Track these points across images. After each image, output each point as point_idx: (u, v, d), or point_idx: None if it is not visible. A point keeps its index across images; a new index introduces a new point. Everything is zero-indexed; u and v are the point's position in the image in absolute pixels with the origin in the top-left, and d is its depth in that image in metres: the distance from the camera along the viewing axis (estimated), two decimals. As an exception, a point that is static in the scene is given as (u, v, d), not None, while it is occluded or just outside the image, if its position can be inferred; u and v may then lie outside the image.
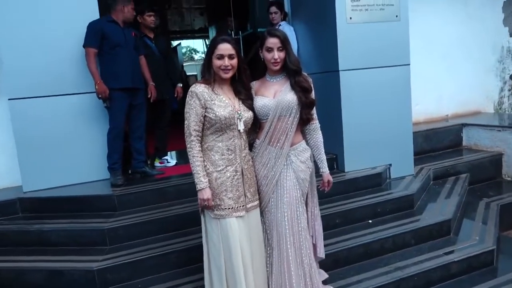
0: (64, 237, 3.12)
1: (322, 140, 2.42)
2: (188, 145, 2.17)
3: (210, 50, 2.21)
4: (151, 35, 4.18)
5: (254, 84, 2.40)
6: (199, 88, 2.16)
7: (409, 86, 4.03)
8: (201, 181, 2.16)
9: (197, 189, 2.18)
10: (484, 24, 5.80)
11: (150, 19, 4.10)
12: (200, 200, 2.19)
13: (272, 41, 2.25)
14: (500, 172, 4.74)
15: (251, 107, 2.29)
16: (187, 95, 2.19)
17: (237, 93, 2.27)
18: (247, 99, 2.28)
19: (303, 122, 2.34)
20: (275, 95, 2.31)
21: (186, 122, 2.17)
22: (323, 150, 2.42)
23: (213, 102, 2.15)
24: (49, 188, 3.65)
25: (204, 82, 2.20)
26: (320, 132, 2.42)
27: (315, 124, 2.40)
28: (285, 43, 2.26)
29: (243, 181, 2.26)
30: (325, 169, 2.44)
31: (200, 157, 2.16)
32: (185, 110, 2.18)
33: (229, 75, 2.19)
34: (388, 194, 3.67)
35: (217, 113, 2.15)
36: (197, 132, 2.16)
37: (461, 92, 5.69)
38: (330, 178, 2.49)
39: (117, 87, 3.55)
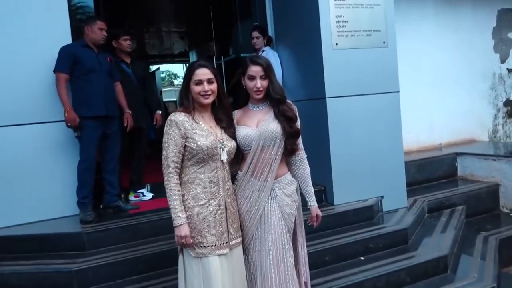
0: (26, 280, 3.01)
1: (309, 171, 2.43)
2: (166, 178, 2.16)
3: (188, 77, 2.25)
4: (128, 60, 4.23)
5: (236, 113, 2.43)
6: (178, 117, 2.18)
7: (399, 113, 4.13)
8: (179, 217, 2.15)
9: (174, 225, 2.16)
10: (475, 50, 6.03)
11: (126, 43, 4.15)
12: (177, 237, 2.16)
13: (255, 69, 2.29)
14: (497, 203, 4.80)
15: (233, 136, 2.31)
16: (166, 124, 2.20)
17: (218, 121, 2.29)
18: (229, 127, 2.31)
19: (288, 152, 2.36)
20: (258, 125, 2.33)
21: (164, 153, 2.17)
22: (311, 182, 2.42)
23: (194, 131, 2.17)
24: (11, 225, 3.57)
25: (183, 110, 2.22)
26: (307, 162, 2.43)
27: (301, 154, 2.41)
28: (268, 71, 2.30)
29: (227, 215, 2.26)
30: (313, 202, 2.45)
31: (178, 190, 2.16)
32: (163, 140, 2.18)
33: (209, 100, 2.22)
34: (381, 228, 3.68)
35: (199, 143, 2.16)
36: (176, 163, 2.16)
37: (454, 119, 5.84)
38: (319, 212, 2.49)
39: (89, 115, 3.56)
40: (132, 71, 4.22)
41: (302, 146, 2.43)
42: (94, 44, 3.68)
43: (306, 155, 2.44)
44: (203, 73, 2.21)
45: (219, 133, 2.26)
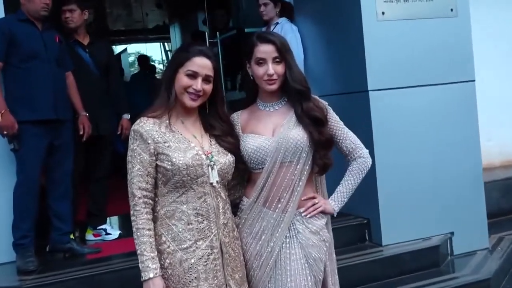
0: None
1: (367, 167, 2.44)
2: (132, 211, 2.18)
3: (177, 62, 2.26)
4: (85, 41, 4.29)
5: (240, 116, 2.43)
6: (145, 126, 2.19)
7: (475, 112, 4.10)
8: (148, 267, 2.13)
9: (142, 279, 2.14)
10: None
11: (63, 16, 4.16)
12: None
13: (264, 49, 2.29)
14: None
15: (233, 148, 2.31)
16: (129, 136, 2.22)
17: (208, 128, 2.31)
18: (224, 135, 2.31)
19: (319, 169, 2.36)
20: (275, 132, 2.33)
21: (128, 177, 2.19)
22: (359, 179, 2.43)
23: (166, 144, 2.18)
24: None
25: (152, 114, 2.23)
26: (368, 159, 2.45)
27: (361, 159, 2.42)
28: (283, 52, 2.30)
29: (223, 262, 2.24)
30: (335, 201, 2.42)
31: (149, 229, 2.17)
32: (127, 159, 2.20)
33: (196, 103, 2.24)
34: (451, 279, 3.67)
35: (174, 160, 2.15)
36: (144, 191, 2.18)
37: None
38: (328, 206, 2.40)
39: (32, 118, 3.58)
40: (90, 56, 4.25)
41: (359, 144, 2.43)
42: (36, 18, 3.70)
43: (370, 160, 2.45)
44: (203, 64, 2.21)
45: (206, 144, 2.26)
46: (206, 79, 2.21)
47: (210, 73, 2.22)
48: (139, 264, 2.14)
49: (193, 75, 2.20)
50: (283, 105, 2.39)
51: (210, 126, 2.31)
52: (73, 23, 4.19)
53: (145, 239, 2.14)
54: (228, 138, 2.32)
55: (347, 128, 2.43)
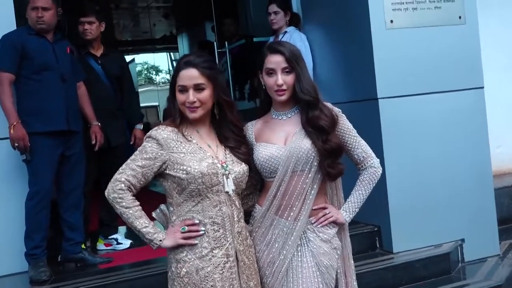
0: None
1: (377, 177, 2.45)
2: (114, 195, 2.18)
3: (172, 80, 2.29)
4: (98, 52, 4.32)
5: (254, 125, 2.44)
6: (163, 133, 2.22)
7: (484, 119, 4.12)
8: (156, 233, 2.19)
9: (155, 246, 2.20)
10: None
11: (82, 28, 4.21)
12: (171, 247, 2.21)
13: (274, 60, 2.30)
14: None
15: (247, 158, 2.33)
16: (144, 141, 2.25)
17: (222, 140, 2.32)
18: (238, 146, 2.32)
19: (329, 177, 2.36)
20: (287, 141, 2.34)
21: (123, 166, 2.21)
22: (369, 189, 2.44)
23: (182, 154, 2.20)
24: None
25: (170, 123, 2.26)
26: (379, 169, 2.46)
27: (370, 169, 2.43)
28: (293, 62, 2.31)
29: (239, 270, 2.25)
30: (346, 211, 2.42)
31: (138, 205, 2.21)
32: (137, 149, 2.24)
33: (197, 114, 2.24)
34: (463, 286, 3.69)
35: (189, 169, 2.17)
36: (131, 185, 2.20)
37: None
38: (340, 216, 2.40)
39: (44, 130, 3.61)
40: (102, 68, 4.29)
41: (371, 154, 2.44)
42: (46, 31, 3.72)
43: (380, 170, 2.46)
44: (188, 76, 2.21)
45: (221, 154, 2.27)
46: (197, 89, 2.21)
47: (200, 81, 2.21)
48: (145, 236, 2.19)
49: (184, 90, 2.21)
50: (295, 114, 2.39)
51: (224, 138, 2.31)
52: (91, 35, 4.24)
53: (140, 213, 2.20)
54: (242, 149, 2.33)
55: (359, 137, 2.43)
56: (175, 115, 2.25)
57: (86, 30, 4.22)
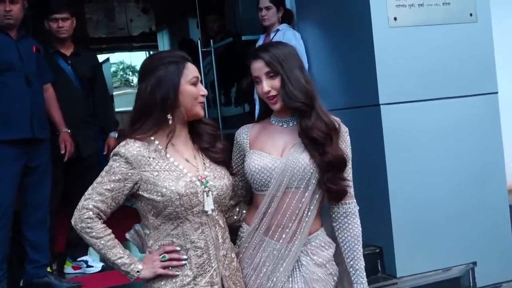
0: None
1: (359, 232, 2.36)
2: (82, 225, 2.13)
3: (175, 75, 2.26)
4: (67, 51, 4.21)
5: (250, 129, 2.41)
6: (132, 149, 2.14)
7: (499, 128, 4.04)
8: (133, 263, 2.14)
9: (133, 277, 2.14)
10: None
11: (55, 26, 4.10)
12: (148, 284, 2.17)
13: (256, 66, 2.29)
14: None
15: (223, 158, 2.29)
16: (110, 159, 2.18)
17: (196, 140, 2.29)
18: (213, 144, 2.28)
19: (330, 197, 2.30)
20: (284, 152, 2.29)
21: (89, 191, 2.15)
22: (360, 251, 2.35)
23: (155, 172, 2.14)
24: None
25: (140, 136, 2.17)
26: (357, 219, 2.36)
27: (348, 205, 2.34)
28: (274, 65, 2.26)
29: (225, 299, 2.23)
30: (360, 285, 2.36)
31: (110, 233, 2.15)
32: (104, 169, 2.17)
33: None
34: (475, 316, 3.63)
35: (165, 190, 2.11)
36: (100, 211, 2.14)
37: None
38: None
39: (4, 138, 3.55)
40: (72, 69, 4.19)
41: (352, 191, 2.35)
42: (5, 27, 3.63)
43: (357, 207, 2.36)
44: (195, 68, 2.24)
45: (200, 165, 2.24)
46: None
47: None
48: (121, 268, 2.15)
49: (195, 82, 2.22)
50: (296, 122, 2.35)
51: (198, 135, 2.28)
52: (67, 33, 4.16)
53: (112, 242, 2.15)
54: (216, 146, 2.29)
55: (350, 163, 2.36)
56: (165, 121, 2.18)
57: (61, 28, 4.12)
